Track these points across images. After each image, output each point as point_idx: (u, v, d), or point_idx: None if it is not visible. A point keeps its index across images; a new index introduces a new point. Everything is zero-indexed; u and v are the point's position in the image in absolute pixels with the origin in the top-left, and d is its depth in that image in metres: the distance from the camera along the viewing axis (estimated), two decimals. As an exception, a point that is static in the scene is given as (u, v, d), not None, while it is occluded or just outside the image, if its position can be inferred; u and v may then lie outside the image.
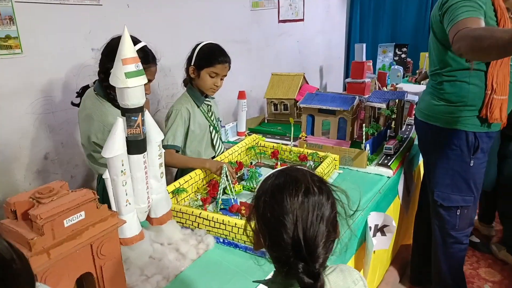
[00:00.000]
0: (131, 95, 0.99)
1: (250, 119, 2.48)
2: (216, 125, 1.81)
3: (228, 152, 1.71)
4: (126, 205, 1.06)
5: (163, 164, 1.17)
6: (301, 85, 2.51)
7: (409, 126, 2.33)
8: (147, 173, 1.11)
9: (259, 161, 1.85)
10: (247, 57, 3.04)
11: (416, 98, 2.50)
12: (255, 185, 1.56)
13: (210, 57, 1.65)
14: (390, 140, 1.93)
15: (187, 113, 1.68)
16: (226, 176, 1.43)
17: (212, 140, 1.79)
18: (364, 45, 2.60)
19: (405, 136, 2.15)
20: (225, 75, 1.72)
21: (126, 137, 1.03)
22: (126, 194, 1.05)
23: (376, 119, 2.17)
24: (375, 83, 3.03)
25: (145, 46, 1.45)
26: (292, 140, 1.82)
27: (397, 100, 2.12)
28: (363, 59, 2.60)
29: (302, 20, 3.87)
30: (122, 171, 1.02)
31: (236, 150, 1.75)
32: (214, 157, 1.78)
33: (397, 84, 3.20)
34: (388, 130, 2.07)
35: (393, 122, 2.17)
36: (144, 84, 1.01)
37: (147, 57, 1.43)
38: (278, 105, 2.50)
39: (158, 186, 1.16)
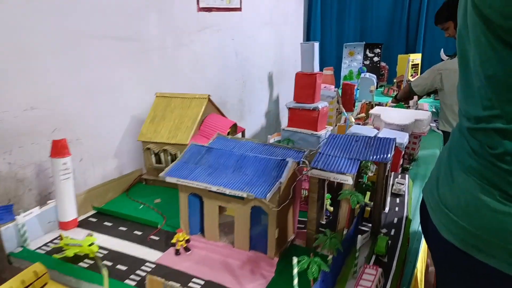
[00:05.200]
0: None
1: (116, 180, 1.34)
2: None
3: None
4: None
5: None
6: (202, 117, 1.39)
7: (397, 202, 1.25)
8: None
9: None
10: (139, 63, 1.89)
11: (404, 138, 1.43)
12: None
13: None
14: (365, 268, 0.83)
15: None
16: None
17: None
18: (317, 44, 1.51)
19: (391, 233, 1.05)
20: None
21: None
22: None
23: (334, 196, 1.08)
24: (338, 105, 1.95)
25: None
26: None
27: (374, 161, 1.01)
28: (315, 69, 1.51)
29: (239, 9, 2.76)
30: None
31: None
32: None
33: (369, 103, 2.14)
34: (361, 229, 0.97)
35: (370, 200, 1.08)
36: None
37: None
38: (161, 155, 1.37)
39: None
